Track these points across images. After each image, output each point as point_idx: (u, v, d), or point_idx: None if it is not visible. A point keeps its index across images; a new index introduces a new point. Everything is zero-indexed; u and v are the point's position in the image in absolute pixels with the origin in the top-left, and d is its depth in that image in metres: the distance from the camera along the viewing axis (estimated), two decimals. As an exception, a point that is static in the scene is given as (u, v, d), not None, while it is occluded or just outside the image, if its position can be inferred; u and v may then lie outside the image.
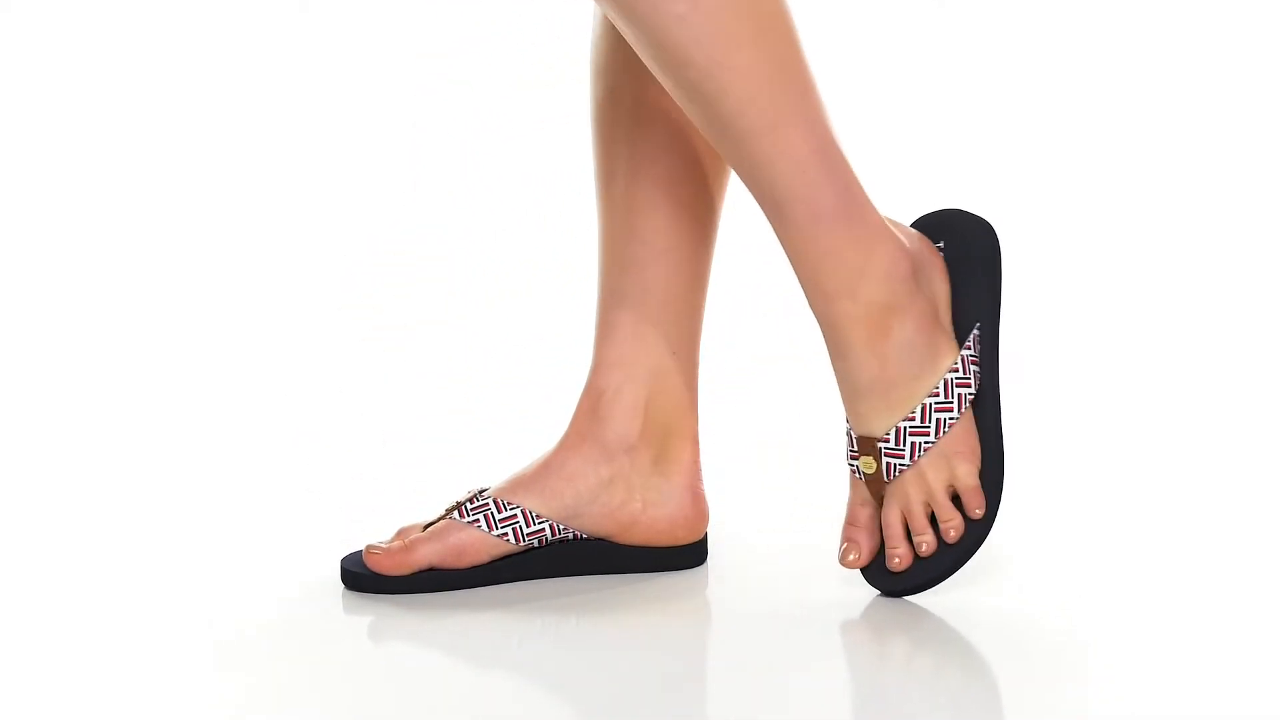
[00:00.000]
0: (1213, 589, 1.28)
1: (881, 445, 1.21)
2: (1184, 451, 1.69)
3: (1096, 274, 2.35)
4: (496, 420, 1.83)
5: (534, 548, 1.28)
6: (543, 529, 1.27)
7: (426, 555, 1.26)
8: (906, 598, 1.24)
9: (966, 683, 1.11)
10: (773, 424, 1.82)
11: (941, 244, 1.25)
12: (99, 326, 2.24)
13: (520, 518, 1.27)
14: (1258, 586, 1.29)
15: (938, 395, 1.21)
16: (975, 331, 1.22)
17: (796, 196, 1.18)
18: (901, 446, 1.21)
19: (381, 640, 1.22)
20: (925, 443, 1.20)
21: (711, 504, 1.33)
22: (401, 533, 1.29)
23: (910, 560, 1.22)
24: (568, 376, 1.38)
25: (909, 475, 1.21)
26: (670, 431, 1.30)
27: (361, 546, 1.29)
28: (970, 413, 1.21)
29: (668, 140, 1.28)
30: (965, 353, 1.21)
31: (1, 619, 1.26)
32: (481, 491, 1.28)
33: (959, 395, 1.21)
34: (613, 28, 1.27)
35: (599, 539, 1.29)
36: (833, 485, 1.32)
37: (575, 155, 1.34)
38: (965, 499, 1.21)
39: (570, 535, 1.28)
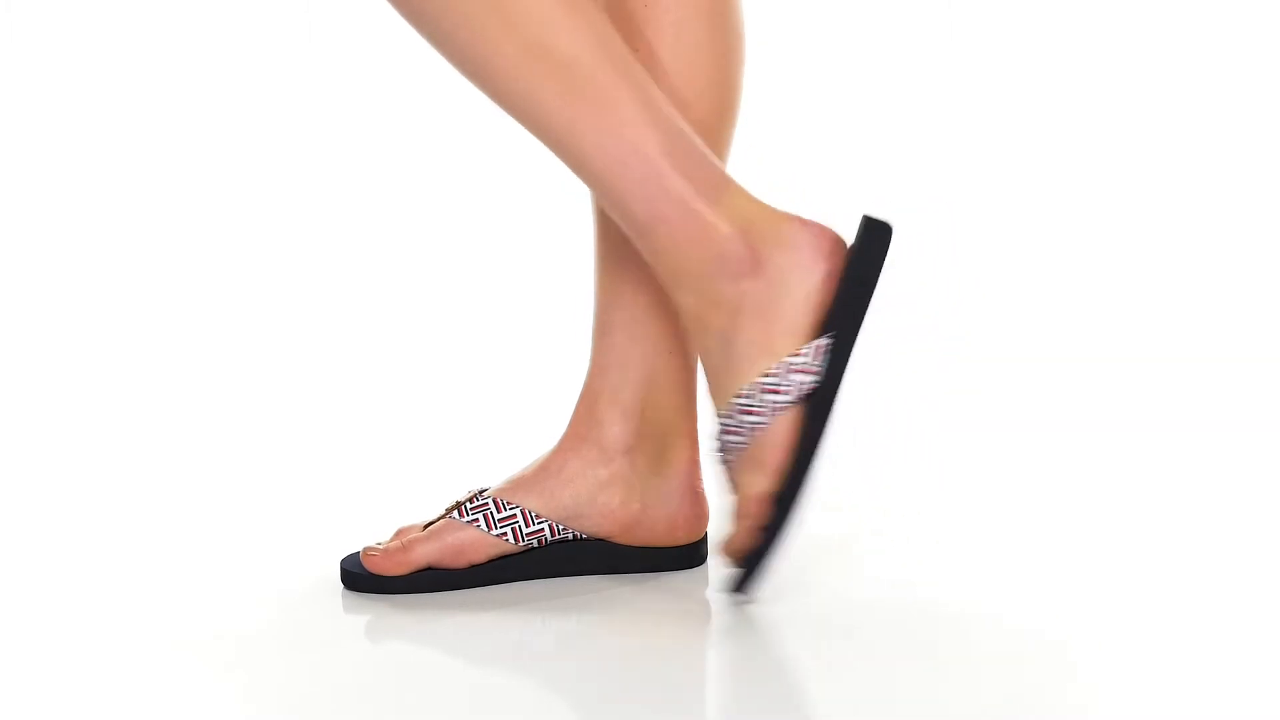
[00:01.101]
0: (1210, 592, 1.28)
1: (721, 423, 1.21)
2: (1183, 452, 1.69)
3: (1094, 275, 2.35)
4: (497, 420, 1.83)
5: (533, 548, 1.28)
6: (542, 529, 1.27)
7: (425, 555, 1.26)
8: (909, 604, 1.24)
9: (967, 684, 1.11)
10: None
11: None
12: (99, 328, 2.24)
13: (520, 518, 1.27)
14: (1254, 589, 1.29)
15: (750, 397, 1.18)
16: (825, 340, 1.18)
17: (619, 198, 1.18)
18: (722, 441, 1.20)
19: (380, 640, 1.22)
20: (738, 435, 1.19)
21: (711, 503, 1.33)
22: (400, 533, 1.29)
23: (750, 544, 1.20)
24: (568, 376, 1.38)
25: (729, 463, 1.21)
26: (668, 432, 1.30)
27: (361, 547, 1.29)
28: (787, 420, 1.17)
29: None
30: (793, 359, 1.18)
31: (2, 620, 1.26)
32: (481, 492, 1.28)
33: (768, 401, 1.17)
34: None
35: (599, 539, 1.29)
36: (834, 484, 1.32)
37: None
38: (742, 506, 1.19)
39: (570, 536, 1.28)
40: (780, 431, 1.17)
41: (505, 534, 1.27)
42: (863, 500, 1.52)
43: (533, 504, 1.27)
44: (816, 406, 1.17)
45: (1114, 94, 2.54)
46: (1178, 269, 2.34)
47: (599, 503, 1.28)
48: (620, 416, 1.29)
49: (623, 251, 1.28)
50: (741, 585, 1.20)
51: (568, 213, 1.54)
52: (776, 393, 1.17)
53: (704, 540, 1.32)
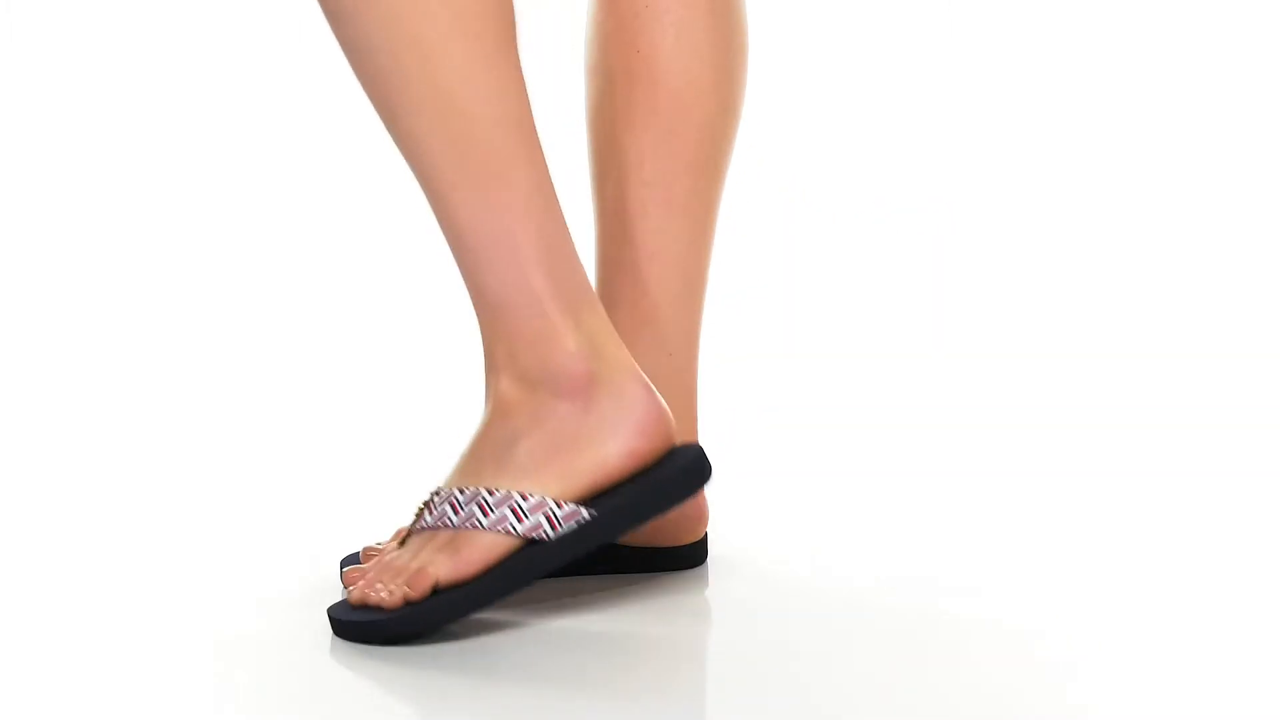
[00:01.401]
0: (1209, 593, 1.28)
1: (433, 499, 1.18)
2: (1182, 453, 1.70)
3: (1092, 279, 2.35)
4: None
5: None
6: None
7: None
8: (909, 604, 1.24)
9: (967, 685, 1.11)
10: (771, 423, 1.82)
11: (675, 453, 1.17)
12: (98, 329, 2.24)
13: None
14: (1253, 589, 1.29)
15: (494, 500, 1.15)
16: (586, 513, 1.14)
17: (476, 270, 1.16)
18: (440, 509, 1.17)
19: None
20: (448, 519, 1.16)
21: (711, 504, 1.33)
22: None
23: (376, 601, 1.15)
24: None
25: (424, 535, 1.17)
26: None
27: (358, 548, 1.28)
28: (502, 544, 1.14)
29: (658, 141, 1.28)
30: (553, 505, 1.14)
31: (2, 621, 1.26)
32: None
33: (505, 517, 1.14)
34: (604, 27, 1.27)
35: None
36: (835, 485, 1.32)
37: (572, 155, 1.33)
38: (413, 577, 1.14)
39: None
40: (489, 548, 1.14)
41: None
42: (862, 500, 1.53)
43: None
44: (530, 560, 1.14)
45: (1105, 93, 2.54)
46: (1168, 266, 2.34)
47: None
48: None
49: (618, 253, 1.28)
50: (344, 631, 1.16)
51: (572, 213, 1.54)
52: (517, 517, 1.14)
53: (704, 540, 1.32)
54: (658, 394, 1.17)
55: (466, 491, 1.16)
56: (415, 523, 1.19)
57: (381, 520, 1.33)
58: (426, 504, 1.18)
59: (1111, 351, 2.13)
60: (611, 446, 1.16)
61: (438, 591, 1.14)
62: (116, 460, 1.72)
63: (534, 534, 1.14)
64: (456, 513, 1.15)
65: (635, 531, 1.19)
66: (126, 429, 1.84)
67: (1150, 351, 2.12)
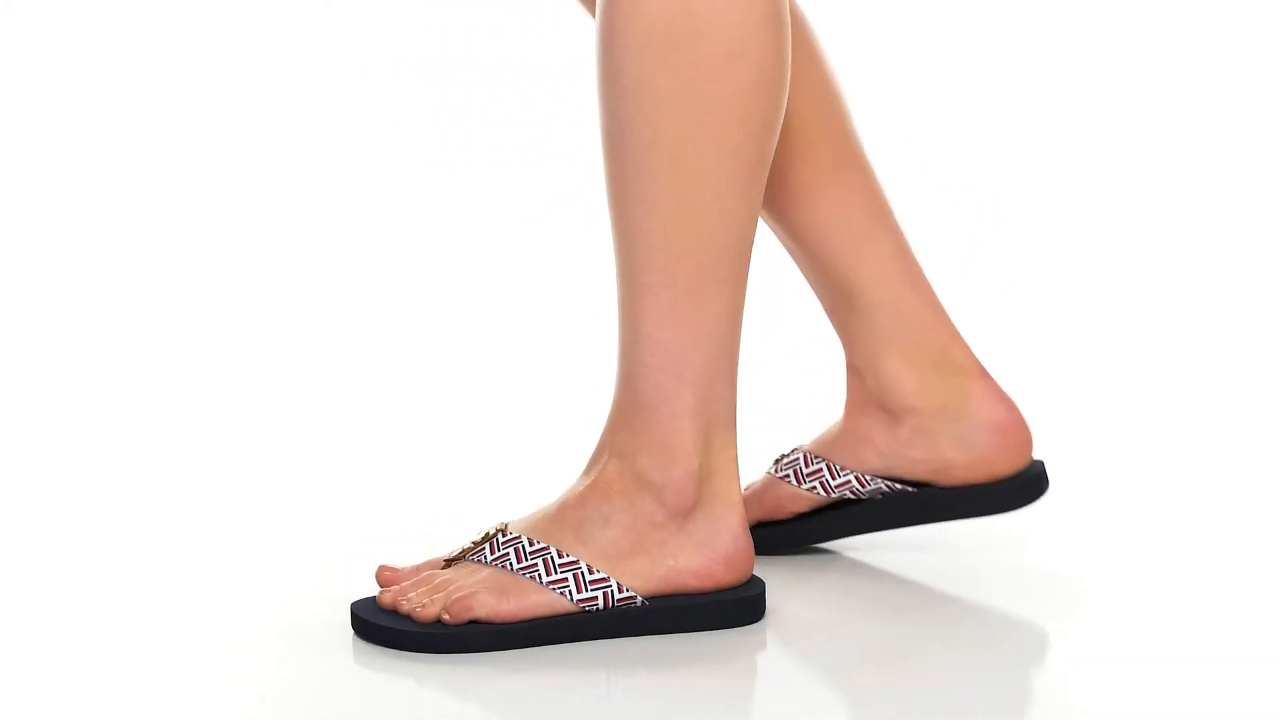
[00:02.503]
0: (1209, 593, 1.29)
1: (499, 536, 1.18)
2: (1178, 455, 1.70)
3: (1090, 278, 2.35)
4: (493, 421, 1.83)
5: (847, 499, 1.31)
6: (849, 480, 1.30)
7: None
8: (913, 597, 1.24)
9: (967, 686, 1.11)
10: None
11: (749, 585, 1.20)
12: (98, 329, 2.24)
13: (825, 471, 1.31)
14: (1253, 589, 1.29)
15: (562, 562, 1.16)
16: (635, 603, 1.16)
17: (634, 365, 1.17)
18: (504, 550, 1.17)
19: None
20: (508, 563, 1.17)
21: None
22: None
23: (407, 610, 1.16)
24: (578, 384, 1.38)
25: (474, 565, 1.18)
26: (955, 374, 1.30)
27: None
28: (549, 601, 1.16)
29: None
30: (616, 590, 1.16)
31: (3, 622, 1.26)
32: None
33: (566, 580, 1.16)
34: None
35: (919, 485, 1.30)
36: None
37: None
38: (455, 603, 1.15)
39: (881, 487, 1.30)
40: (537, 604, 1.15)
41: (815, 487, 1.31)
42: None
43: (840, 459, 1.30)
44: (570, 627, 1.15)
45: (1111, 97, 2.54)
46: (1173, 273, 2.34)
47: (905, 456, 1.29)
48: (903, 373, 1.29)
49: (864, 231, 1.29)
50: (366, 631, 1.17)
51: (580, 218, 1.54)
52: (578, 586, 1.15)
53: (1035, 465, 1.32)
54: (748, 533, 1.18)
55: (536, 544, 1.16)
56: (472, 550, 1.18)
57: (381, 519, 1.33)
58: (490, 538, 1.18)
59: (1110, 351, 2.13)
60: (692, 563, 1.17)
61: (472, 622, 1.15)
62: (116, 461, 1.72)
63: (586, 605, 1.15)
64: (520, 559, 1.16)
65: (943, 470, 1.28)
66: (136, 430, 1.84)
67: (1150, 351, 2.12)
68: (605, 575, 1.15)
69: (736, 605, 1.18)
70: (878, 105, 2.52)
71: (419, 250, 2.41)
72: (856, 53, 2.53)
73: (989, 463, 1.29)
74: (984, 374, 1.30)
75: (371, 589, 1.21)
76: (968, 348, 1.31)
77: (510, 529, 1.18)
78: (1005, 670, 1.14)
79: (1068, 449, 1.71)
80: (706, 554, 1.17)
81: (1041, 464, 1.31)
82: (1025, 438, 1.30)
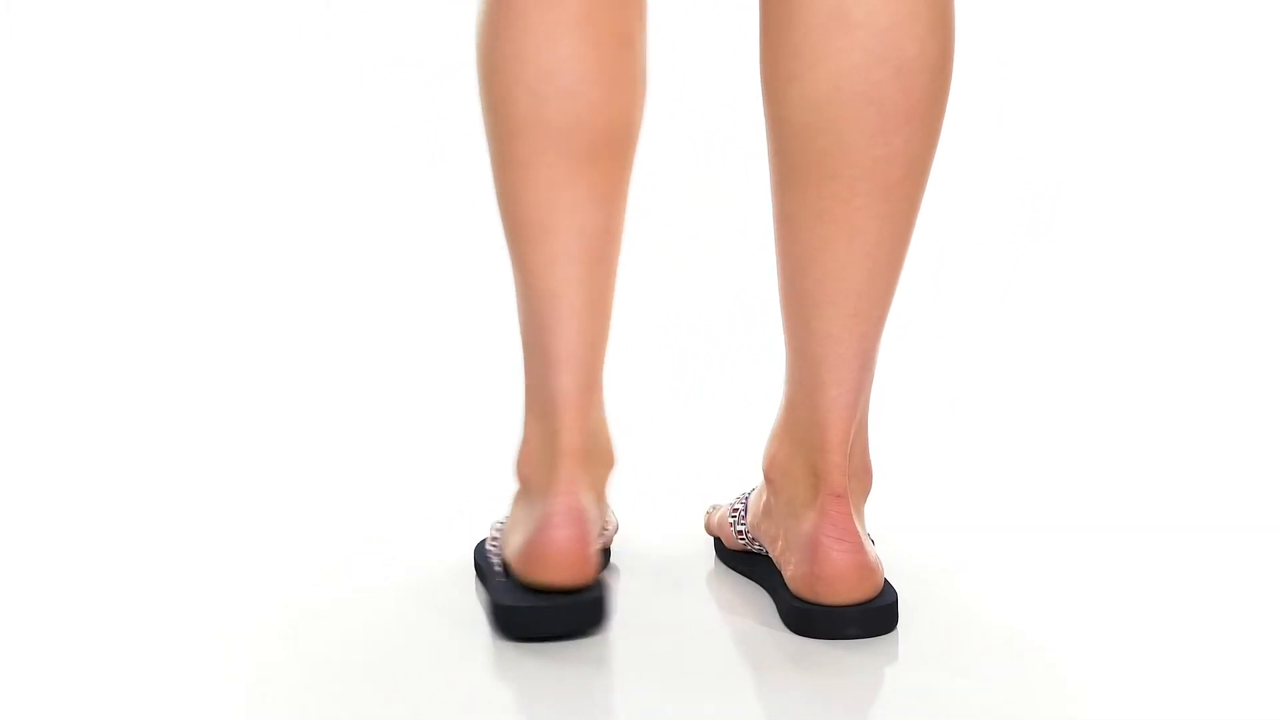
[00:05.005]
0: (1210, 594, 1.29)
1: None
2: (1178, 455, 1.70)
3: (1088, 282, 2.36)
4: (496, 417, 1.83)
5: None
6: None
7: None
8: (914, 598, 1.25)
9: (967, 686, 1.11)
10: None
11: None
12: (98, 330, 2.24)
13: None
14: (1253, 590, 1.30)
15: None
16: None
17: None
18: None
19: (381, 639, 1.22)
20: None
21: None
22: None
23: None
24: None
25: None
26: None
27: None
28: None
29: None
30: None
31: (3, 622, 1.27)
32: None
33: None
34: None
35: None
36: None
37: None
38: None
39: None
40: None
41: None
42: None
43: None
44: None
45: (1110, 100, 2.55)
46: (1170, 274, 2.34)
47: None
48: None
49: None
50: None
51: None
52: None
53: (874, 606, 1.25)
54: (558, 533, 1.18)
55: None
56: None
57: (381, 518, 1.33)
58: None
59: (1109, 352, 2.13)
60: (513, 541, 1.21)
61: None
62: (121, 461, 1.72)
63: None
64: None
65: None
66: (136, 430, 1.84)
67: (1149, 353, 2.12)
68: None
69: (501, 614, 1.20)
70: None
71: (421, 251, 2.41)
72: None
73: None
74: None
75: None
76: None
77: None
78: (1001, 671, 1.14)
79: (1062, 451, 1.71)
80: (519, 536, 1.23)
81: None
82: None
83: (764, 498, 1.28)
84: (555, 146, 1.13)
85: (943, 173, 1.13)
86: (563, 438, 1.17)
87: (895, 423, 1.84)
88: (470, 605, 1.25)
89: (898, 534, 1.40)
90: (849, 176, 1.14)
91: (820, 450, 1.20)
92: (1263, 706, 1.07)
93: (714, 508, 1.39)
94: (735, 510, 1.32)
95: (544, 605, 1.16)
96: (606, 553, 1.32)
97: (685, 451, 1.76)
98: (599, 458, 1.22)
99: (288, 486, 1.62)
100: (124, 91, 2.55)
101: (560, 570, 1.16)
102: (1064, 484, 1.60)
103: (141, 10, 2.57)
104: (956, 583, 1.30)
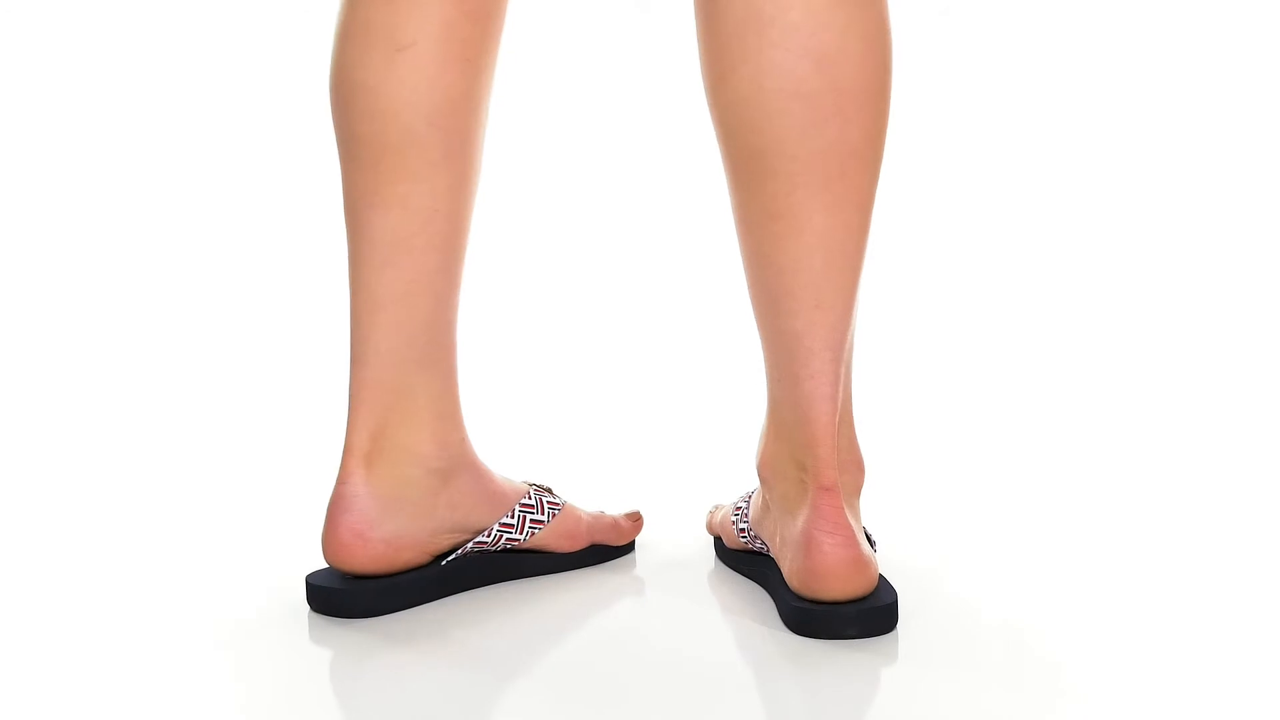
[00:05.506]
0: (1210, 594, 1.29)
1: None
2: (1178, 455, 1.70)
3: (1086, 281, 2.36)
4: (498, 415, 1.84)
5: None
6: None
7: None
8: (913, 597, 1.25)
9: (966, 687, 1.11)
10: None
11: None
12: (98, 330, 2.24)
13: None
14: (1253, 590, 1.30)
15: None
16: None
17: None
18: None
19: (382, 636, 1.22)
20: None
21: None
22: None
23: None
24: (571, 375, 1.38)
25: None
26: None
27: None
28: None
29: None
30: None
31: (3, 622, 1.27)
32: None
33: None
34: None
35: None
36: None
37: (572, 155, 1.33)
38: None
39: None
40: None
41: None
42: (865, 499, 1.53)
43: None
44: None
45: (1109, 104, 2.55)
46: (1169, 275, 2.34)
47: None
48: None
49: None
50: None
51: (579, 218, 1.54)
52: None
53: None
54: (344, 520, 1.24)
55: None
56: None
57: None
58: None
59: (1110, 352, 2.13)
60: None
61: None
62: (120, 461, 1.72)
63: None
64: None
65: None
66: (135, 430, 1.84)
67: (1149, 353, 2.12)
68: None
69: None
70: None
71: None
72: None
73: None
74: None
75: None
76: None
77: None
78: (1001, 673, 1.14)
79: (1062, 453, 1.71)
80: None
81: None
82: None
83: (761, 496, 1.29)
84: None
85: (939, 170, 1.14)
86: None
87: (895, 423, 1.84)
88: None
89: (897, 534, 1.41)
90: (787, 172, 1.15)
91: (806, 446, 1.20)
92: (1262, 706, 1.07)
93: (716, 507, 1.39)
94: (738, 509, 1.33)
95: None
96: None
97: (686, 451, 1.76)
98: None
99: (288, 487, 1.62)
100: (124, 91, 2.55)
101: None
102: (1063, 484, 1.60)
103: (141, 10, 2.57)
104: (956, 582, 1.31)
